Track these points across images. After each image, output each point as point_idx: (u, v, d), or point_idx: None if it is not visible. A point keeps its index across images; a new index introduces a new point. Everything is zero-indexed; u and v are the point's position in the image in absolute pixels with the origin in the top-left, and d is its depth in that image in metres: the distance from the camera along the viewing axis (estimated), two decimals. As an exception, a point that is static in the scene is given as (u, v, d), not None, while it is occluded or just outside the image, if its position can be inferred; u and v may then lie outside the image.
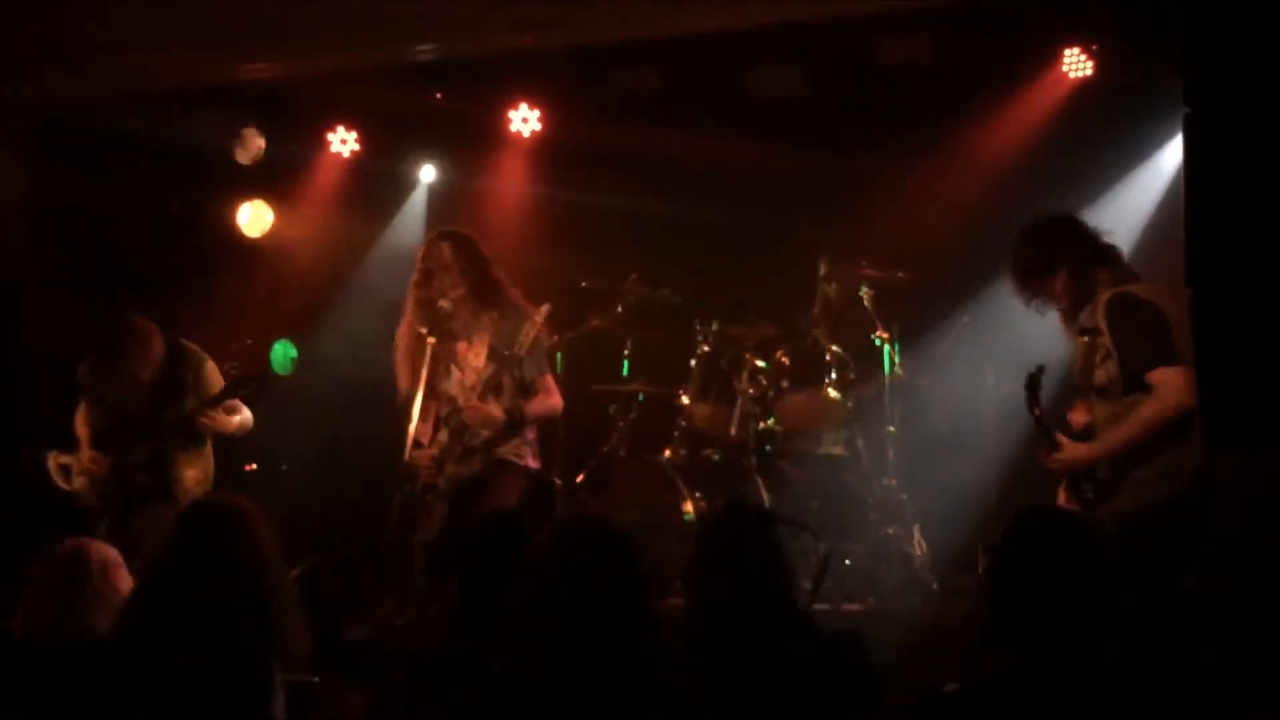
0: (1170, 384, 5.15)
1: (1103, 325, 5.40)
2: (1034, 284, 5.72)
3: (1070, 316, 5.65)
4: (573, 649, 3.25)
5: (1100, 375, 5.41)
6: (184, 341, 7.09)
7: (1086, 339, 5.49)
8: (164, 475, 6.90)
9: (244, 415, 7.10)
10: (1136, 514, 5.25)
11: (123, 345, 6.88)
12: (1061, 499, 5.58)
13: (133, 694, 3.63)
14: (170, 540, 4.01)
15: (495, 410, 6.60)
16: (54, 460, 7.02)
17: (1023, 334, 8.29)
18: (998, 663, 3.17)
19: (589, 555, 3.37)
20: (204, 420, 6.87)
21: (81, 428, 7.05)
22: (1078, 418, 5.71)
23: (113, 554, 4.52)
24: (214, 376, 7.05)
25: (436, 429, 6.79)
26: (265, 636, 3.81)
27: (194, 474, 6.98)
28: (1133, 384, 5.28)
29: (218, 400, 6.88)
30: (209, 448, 7.10)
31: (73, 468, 7.00)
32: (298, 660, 3.95)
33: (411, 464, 6.69)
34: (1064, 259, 5.61)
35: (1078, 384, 5.61)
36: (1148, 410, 5.21)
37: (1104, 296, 5.46)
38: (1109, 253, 5.67)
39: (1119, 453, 5.30)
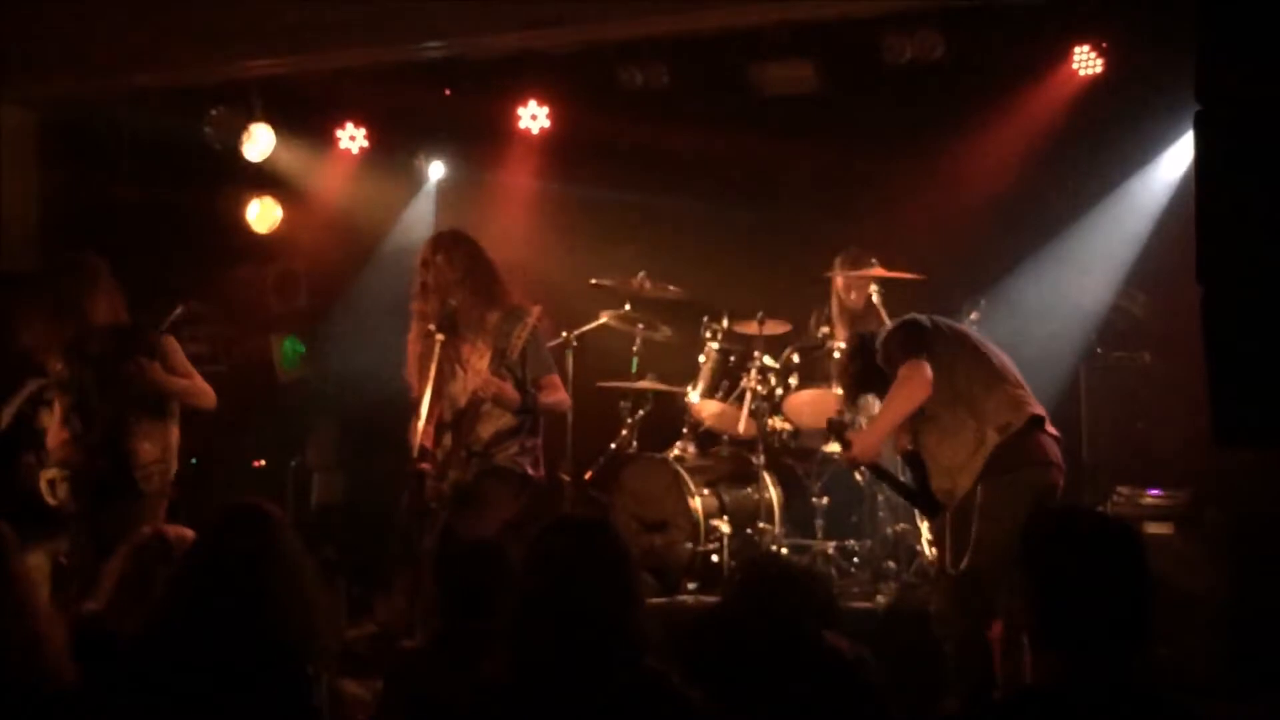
0: (907, 373, 5.77)
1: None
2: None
3: None
4: (559, 650, 3.25)
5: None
6: (144, 322, 6.87)
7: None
8: (120, 451, 6.65)
9: (193, 385, 6.84)
10: (977, 488, 5.71)
11: (68, 271, 6.79)
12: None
13: (166, 692, 3.62)
14: (202, 541, 4.01)
15: (510, 388, 6.56)
16: (44, 478, 6.94)
17: (1030, 332, 8.32)
18: (1043, 670, 3.14)
19: (576, 554, 3.37)
20: (134, 366, 6.61)
21: (55, 434, 6.96)
22: (902, 442, 6.10)
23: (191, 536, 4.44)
24: (178, 353, 6.92)
25: (441, 433, 6.74)
26: (305, 635, 3.80)
27: (150, 448, 6.71)
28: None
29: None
30: (172, 425, 6.84)
31: (57, 479, 6.92)
32: (332, 650, 3.96)
33: (417, 469, 6.66)
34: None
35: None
36: (897, 393, 5.83)
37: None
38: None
39: (892, 427, 5.95)
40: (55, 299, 6.76)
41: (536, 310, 6.59)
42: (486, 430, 6.64)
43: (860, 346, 6.25)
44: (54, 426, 6.93)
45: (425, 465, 6.63)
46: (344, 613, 8.12)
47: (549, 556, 3.40)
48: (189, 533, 4.49)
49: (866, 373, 6.16)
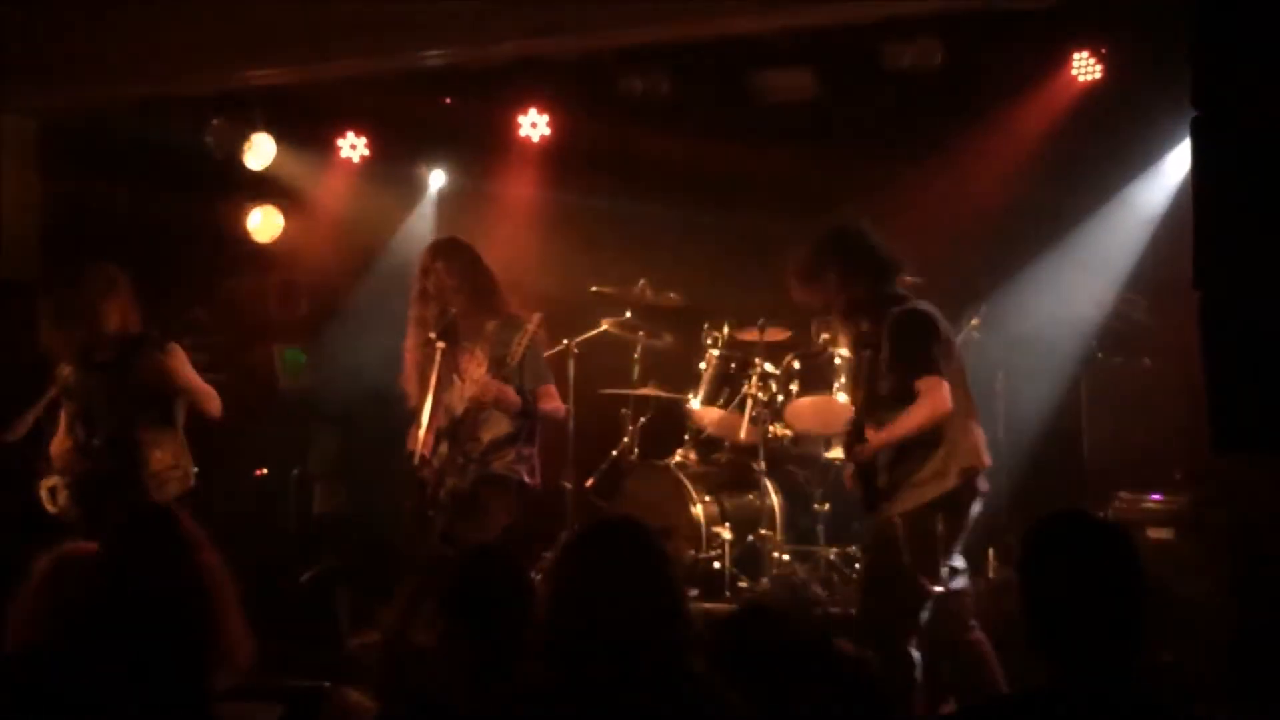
0: (929, 389, 5.65)
1: (887, 344, 5.77)
2: (804, 287, 6.01)
3: (848, 323, 6.09)
4: (598, 652, 3.25)
5: (884, 387, 5.78)
6: (152, 330, 6.89)
7: (868, 353, 5.87)
8: (129, 456, 6.70)
9: (203, 387, 6.88)
10: (918, 511, 5.71)
11: (84, 279, 6.82)
12: None
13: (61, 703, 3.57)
14: (101, 550, 3.92)
15: (511, 392, 6.57)
16: (43, 486, 6.95)
17: (1031, 337, 8.32)
18: (1040, 671, 3.15)
19: (615, 555, 3.37)
20: (154, 362, 6.69)
21: (59, 441, 6.95)
22: (869, 431, 5.95)
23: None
24: (183, 360, 6.93)
25: (438, 441, 6.75)
26: (201, 643, 3.73)
27: (161, 455, 6.76)
28: (906, 392, 5.72)
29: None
30: (179, 432, 6.89)
31: (57, 487, 6.94)
32: (241, 666, 3.90)
33: (416, 477, 6.67)
34: (833, 265, 5.90)
35: (864, 394, 5.94)
36: (921, 411, 5.65)
37: (891, 313, 5.83)
38: (888, 264, 5.97)
39: (899, 441, 5.74)
40: (67, 306, 6.80)
41: (536, 318, 6.60)
42: (483, 438, 6.65)
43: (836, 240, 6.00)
44: (58, 434, 6.95)
45: (424, 473, 6.64)
46: (343, 623, 8.15)
47: (587, 558, 3.40)
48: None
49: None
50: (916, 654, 5.66)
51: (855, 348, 5.93)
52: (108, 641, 3.59)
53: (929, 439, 5.72)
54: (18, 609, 4.13)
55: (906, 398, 5.68)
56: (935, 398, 5.64)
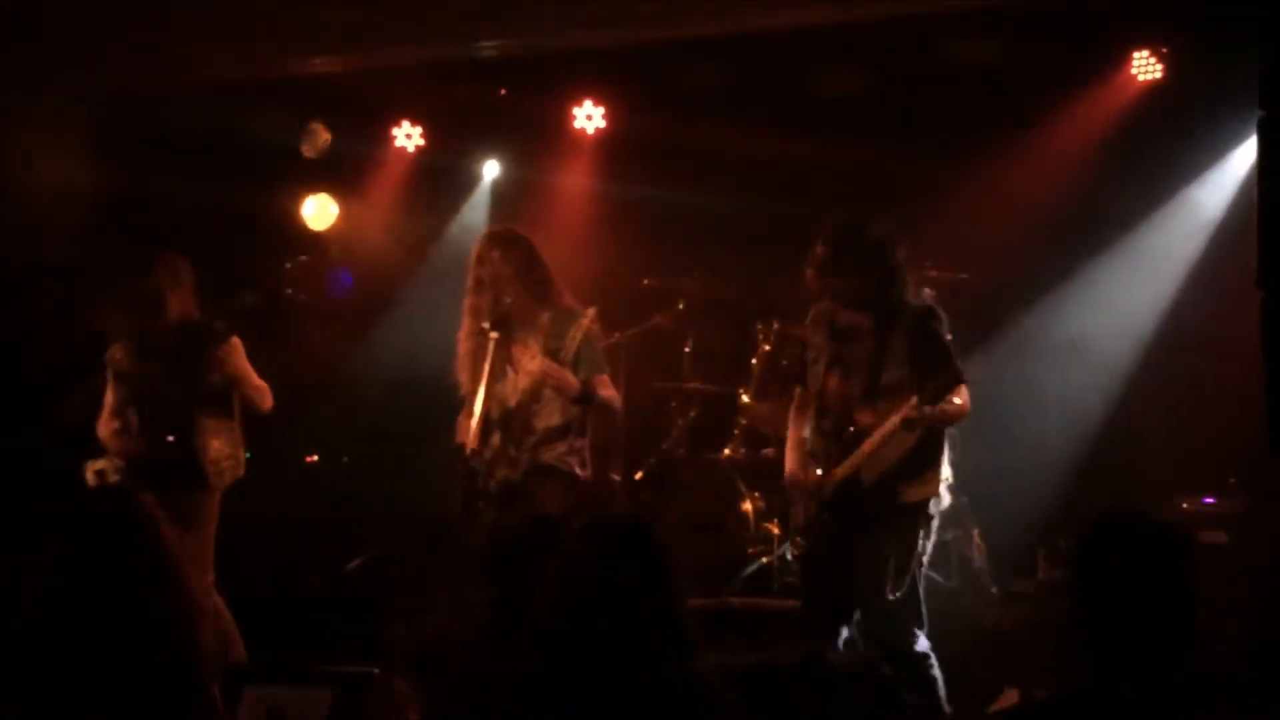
0: (965, 396, 5.69)
1: (903, 336, 5.71)
2: (823, 278, 5.88)
3: (852, 313, 5.84)
4: (598, 649, 3.26)
5: (890, 378, 5.69)
6: (215, 321, 6.95)
7: (872, 343, 5.75)
8: (188, 444, 6.77)
9: (256, 383, 6.95)
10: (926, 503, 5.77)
11: (150, 265, 6.88)
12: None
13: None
14: (65, 540, 3.86)
15: (570, 376, 6.57)
16: (90, 468, 7.00)
17: (1081, 335, 8.27)
18: (1085, 669, 3.14)
19: (615, 553, 3.37)
20: (219, 374, 6.78)
21: (106, 423, 7.05)
22: (833, 383, 5.87)
23: None
24: (240, 353, 6.99)
25: (489, 432, 6.75)
26: (178, 637, 3.69)
27: (219, 444, 6.82)
28: (914, 384, 5.63)
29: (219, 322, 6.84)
30: (237, 422, 6.95)
31: (107, 470, 6.99)
32: (217, 661, 3.84)
33: (466, 467, 6.67)
34: (851, 255, 5.79)
35: (865, 382, 5.77)
36: (965, 408, 5.68)
37: (912, 307, 5.81)
38: (899, 260, 5.87)
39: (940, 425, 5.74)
40: (131, 292, 6.86)
41: (591, 312, 6.59)
42: (535, 429, 6.64)
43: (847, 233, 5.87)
44: (105, 416, 6.99)
45: (474, 463, 6.64)
46: (389, 612, 8.18)
47: (587, 554, 3.40)
48: None
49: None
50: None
51: (851, 336, 5.82)
52: (76, 631, 3.55)
53: (942, 441, 5.79)
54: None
55: (907, 390, 5.59)
56: (966, 402, 5.69)
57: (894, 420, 5.57)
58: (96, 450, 6.99)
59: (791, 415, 6.16)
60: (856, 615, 5.78)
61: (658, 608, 3.31)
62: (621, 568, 3.33)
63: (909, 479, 5.70)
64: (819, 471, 5.81)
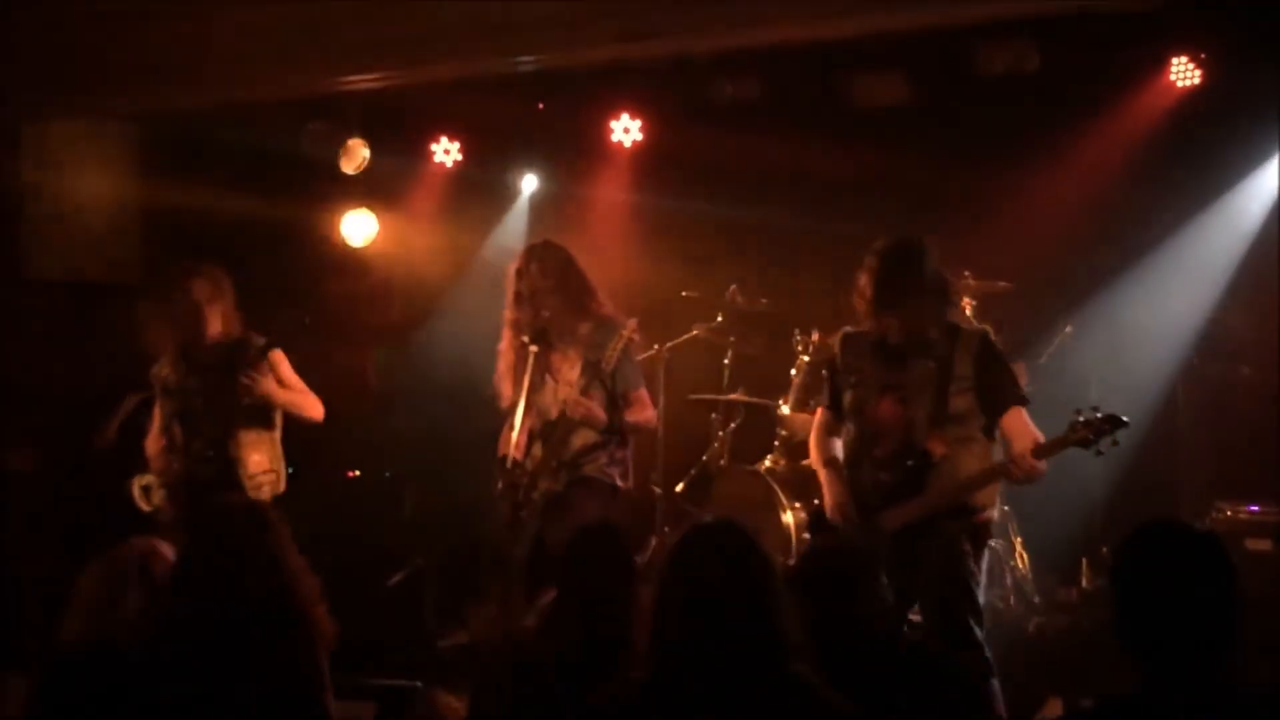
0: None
1: (967, 360, 5.56)
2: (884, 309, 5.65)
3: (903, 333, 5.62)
4: (701, 654, 3.28)
5: (958, 404, 5.54)
6: (254, 336, 7.01)
7: (934, 364, 5.58)
8: (226, 459, 6.81)
9: (303, 397, 6.98)
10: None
11: (191, 280, 6.91)
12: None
13: (163, 700, 3.60)
14: (185, 545, 3.96)
15: (598, 409, 6.59)
16: (136, 484, 7.04)
17: (1127, 345, 8.23)
18: (1127, 679, 3.13)
19: (718, 558, 3.40)
20: (248, 380, 6.77)
21: (154, 440, 7.07)
22: (888, 409, 5.68)
23: (159, 551, 4.34)
24: (284, 365, 7.03)
25: (531, 443, 6.77)
26: (291, 632, 3.77)
27: (259, 459, 6.86)
28: (994, 418, 5.58)
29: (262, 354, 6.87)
30: (276, 435, 6.99)
31: (152, 486, 7.03)
32: (325, 655, 3.93)
33: (508, 479, 6.69)
34: (906, 281, 5.61)
35: (932, 407, 5.59)
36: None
37: (969, 331, 5.74)
38: (947, 280, 5.81)
39: None
40: (172, 307, 6.90)
41: (632, 324, 6.61)
42: (576, 441, 6.66)
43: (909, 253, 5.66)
44: (153, 433, 7.04)
45: (516, 475, 6.66)
46: (433, 624, 8.20)
47: (691, 560, 3.43)
48: (165, 546, 4.37)
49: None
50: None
51: (905, 361, 5.65)
52: (198, 638, 3.62)
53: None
54: (80, 605, 4.18)
55: (975, 417, 5.55)
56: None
57: (992, 468, 5.53)
58: (144, 467, 7.05)
59: (818, 439, 5.99)
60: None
61: (763, 611, 3.33)
62: (724, 572, 3.36)
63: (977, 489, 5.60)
64: (872, 499, 5.65)
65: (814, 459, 6.02)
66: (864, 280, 5.66)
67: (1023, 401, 5.60)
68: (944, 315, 5.65)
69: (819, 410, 6.15)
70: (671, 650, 3.31)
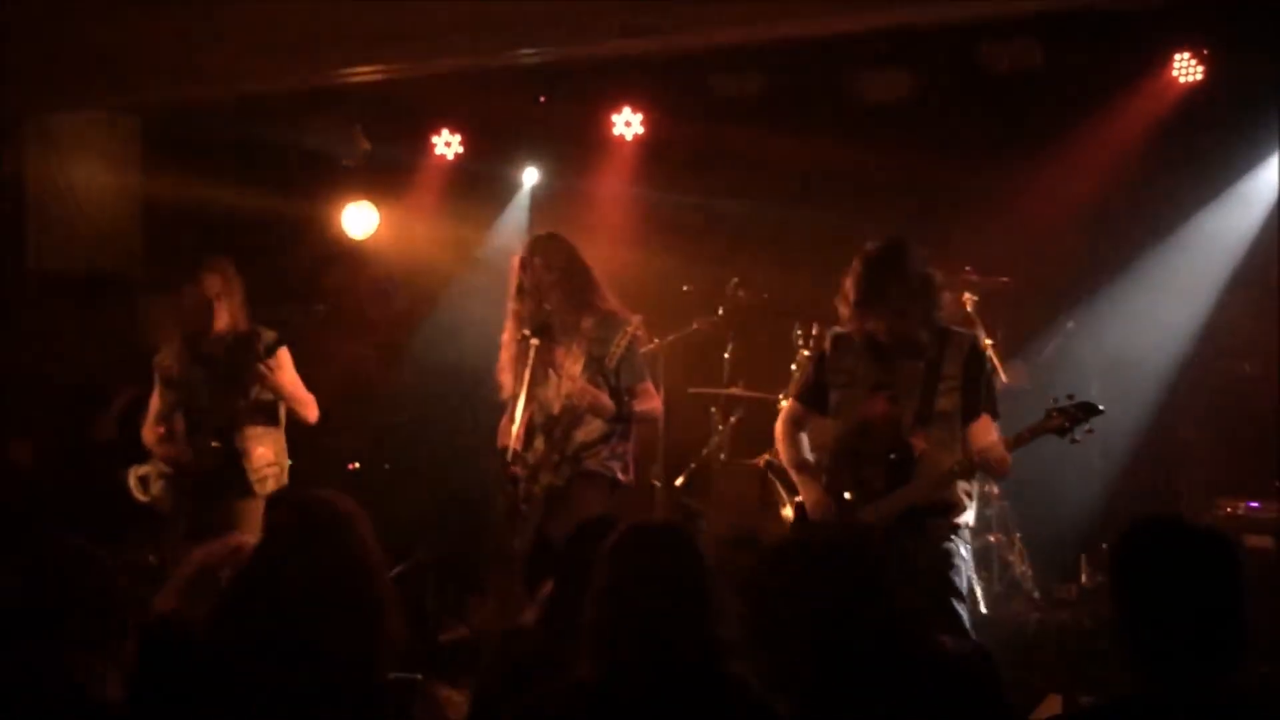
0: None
1: (956, 362, 5.59)
2: (868, 312, 5.65)
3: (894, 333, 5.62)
4: (637, 653, 3.30)
5: (944, 404, 5.56)
6: (266, 332, 7.02)
7: (923, 365, 5.60)
8: (231, 451, 6.84)
9: (302, 395, 7.00)
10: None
11: (202, 273, 6.92)
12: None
13: (230, 689, 3.63)
14: (268, 534, 4.00)
15: (605, 397, 6.58)
16: (133, 474, 7.06)
17: (1129, 341, 8.23)
18: (1130, 677, 3.11)
19: (650, 558, 3.42)
20: (264, 368, 6.80)
21: (151, 428, 7.10)
22: (880, 407, 5.68)
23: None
24: (289, 364, 7.05)
25: (532, 436, 6.76)
26: (367, 634, 3.80)
27: (264, 452, 6.91)
28: (973, 417, 5.58)
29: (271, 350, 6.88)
30: (281, 431, 7.03)
31: (150, 476, 7.05)
32: (393, 657, 3.96)
33: (509, 473, 6.69)
34: (894, 283, 5.61)
35: (918, 406, 5.61)
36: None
37: (959, 334, 5.72)
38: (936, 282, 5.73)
39: None
40: (181, 300, 6.92)
41: (637, 320, 6.59)
42: (578, 434, 6.64)
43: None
44: (150, 421, 7.04)
45: (517, 468, 6.65)
46: (433, 617, 8.19)
47: (624, 560, 3.45)
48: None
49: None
50: None
51: (897, 359, 5.66)
52: (271, 625, 3.66)
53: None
54: (173, 584, 4.24)
55: (958, 417, 5.56)
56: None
57: (969, 459, 5.53)
58: (142, 456, 7.06)
59: (787, 434, 6.00)
60: None
61: (693, 612, 3.34)
62: (656, 572, 3.38)
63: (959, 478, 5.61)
64: (847, 496, 5.68)
65: (783, 455, 6.06)
66: (848, 283, 5.68)
67: (995, 414, 5.62)
68: (932, 317, 5.64)
69: (789, 402, 6.18)
70: (607, 649, 3.33)
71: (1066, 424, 5.40)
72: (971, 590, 5.75)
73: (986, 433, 5.56)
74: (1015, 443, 5.45)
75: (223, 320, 6.93)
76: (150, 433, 7.03)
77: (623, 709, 3.30)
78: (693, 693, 3.28)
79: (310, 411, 7.03)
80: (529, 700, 3.48)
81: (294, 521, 3.95)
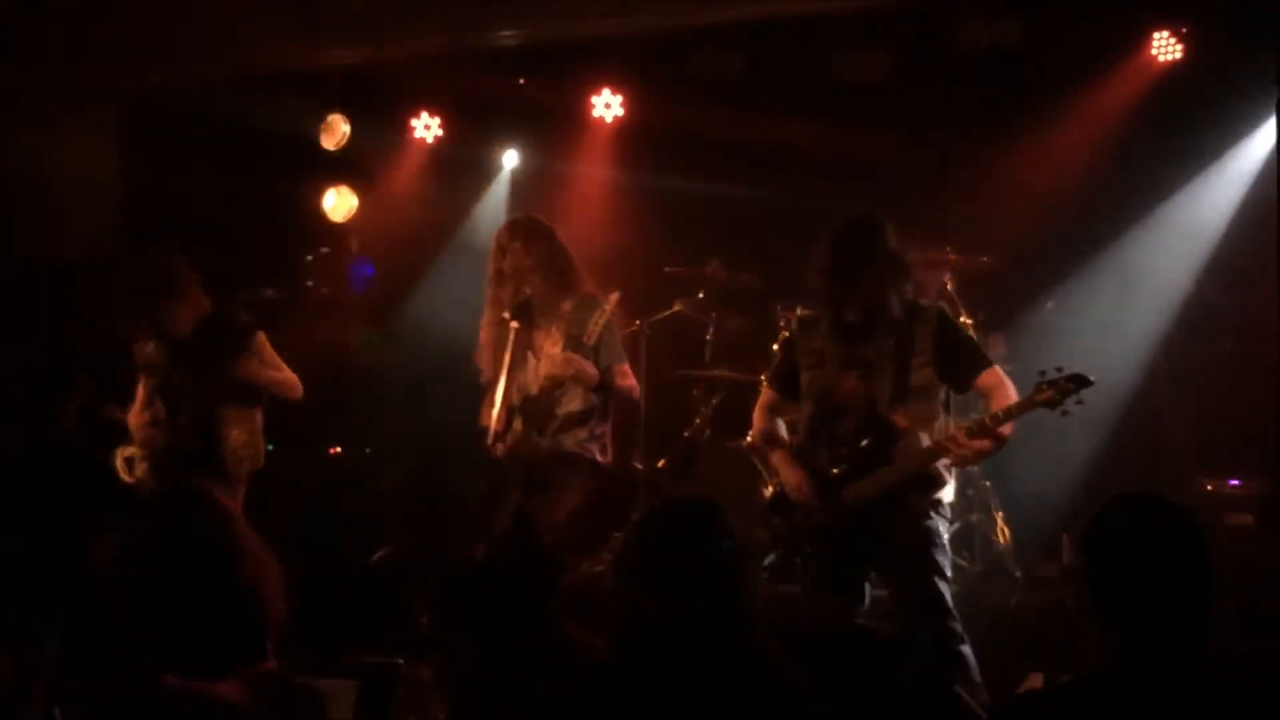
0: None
1: (926, 335, 5.55)
2: (836, 286, 5.60)
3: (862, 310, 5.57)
4: (661, 628, 3.30)
5: (919, 379, 5.53)
6: (240, 315, 7.05)
7: (893, 341, 5.56)
8: (209, 435, 6.82)
9: (284, 374, 6.98)
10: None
11: (147, 270, 6.91)
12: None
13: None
14: (135, 530, 3.95)
15: (589, 365, 6.57)
16: (120, 456, 7.06)
17: (1109, 321, 8.24)
18: (1102, 655, 3.12)
19: (680, 535, 3.41)
20: (242, 369, 6.80)
21: (137, 414, 7.08)
22: (850, 385, 5.64)
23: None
24: (266, 346, 7.04)
25: (511, 418, 6.76)
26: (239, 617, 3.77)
27: (239, 434, 6.87)
28: (969, 381, 5.60)
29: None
30: (258, 413, 6.99)
31: (135, 458, 7.05)
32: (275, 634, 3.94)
33: (488, 454, 6.69)
34: (867, 260, 5.57)
35: (893, 383, 5.57)
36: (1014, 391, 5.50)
37: (927, 307, 5.68)
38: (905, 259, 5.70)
39: None
40: (139, 291, 6.89)
41: (614, 298, 6.60)
42: (556, 415, 6.65)
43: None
44: (135, 407, 7.05)
45: (496, 450, 6.66)
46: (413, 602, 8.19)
47: (652, 537, 3.45)
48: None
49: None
50: None
51: (866, 336, 5.62)
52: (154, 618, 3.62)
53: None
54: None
55: (935, 391, 5.54)
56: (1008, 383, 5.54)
57: (941, 447, 5.46)
58: (117, 439, 7.06)
59: (763, 420, 5.99)
60: (868, 595, 5.74)
61: (724, 586, 3.35)
62: (684, 549, 3.37)
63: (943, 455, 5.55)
64: (835, 471, 5.63)
65: (759, 440, 6.05)
66: (821, 258, 5.64)
67: (989, 363, 5.61)
68: (903, 292, 5.61)
69: (764, 389, 6.16)
70: (635, 627, 3.33)
71: (1057, 396, 5.32)
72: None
73: (999, 380, 5.53)
74: (1005, 416, 5.39)
75: (184, 314, 6.87)
76: (136, 418, 7.03)
77: (645, 689, 3.29)
78: (716, 669, 3.27)
79: (294, 391, 7.00)
80: (552, 684, 3.48)
81: (154, 520, 3.89)
